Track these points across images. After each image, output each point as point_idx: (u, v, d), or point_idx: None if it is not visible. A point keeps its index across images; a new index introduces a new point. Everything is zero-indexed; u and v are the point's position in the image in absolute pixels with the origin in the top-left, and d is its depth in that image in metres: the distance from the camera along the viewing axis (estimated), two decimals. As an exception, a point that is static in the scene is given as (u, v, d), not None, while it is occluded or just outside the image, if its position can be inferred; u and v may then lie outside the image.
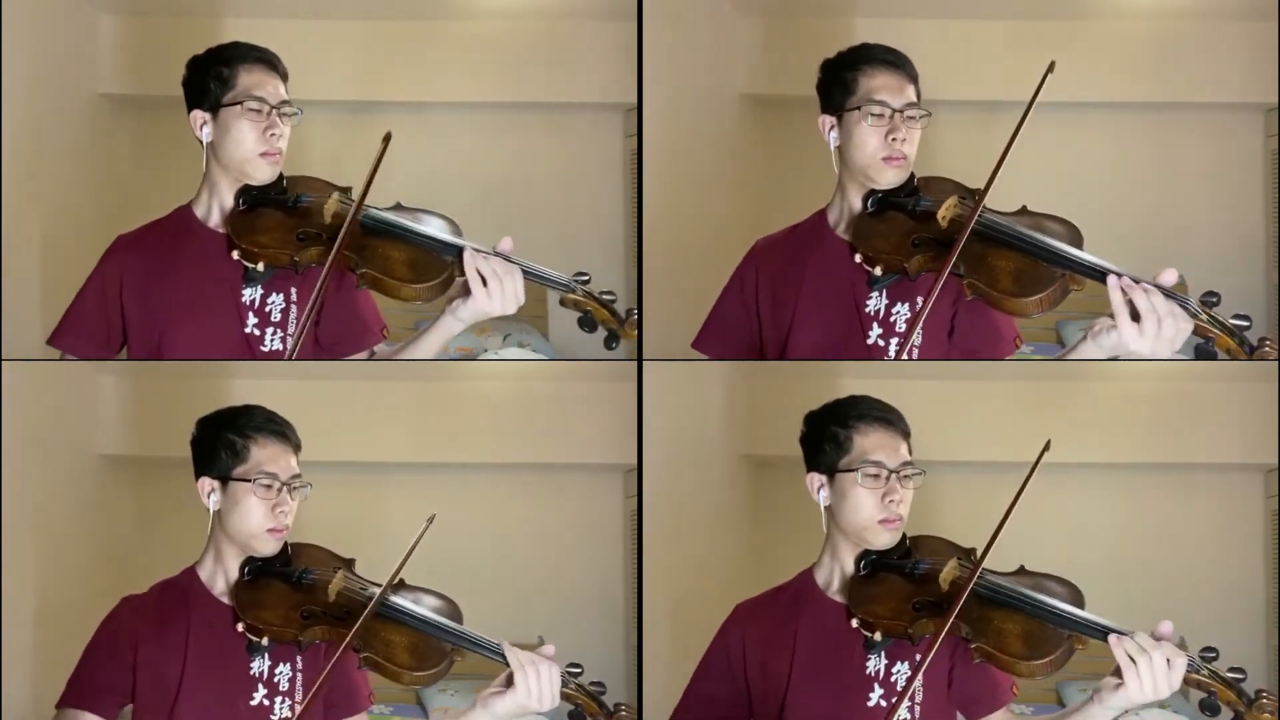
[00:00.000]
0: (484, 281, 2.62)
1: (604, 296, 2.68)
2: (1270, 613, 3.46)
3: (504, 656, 2.57)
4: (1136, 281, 2.51)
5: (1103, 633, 2.51)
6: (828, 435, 2.61)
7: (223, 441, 2.61)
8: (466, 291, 2.64)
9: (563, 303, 2.70)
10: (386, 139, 2.61)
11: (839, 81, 2.66)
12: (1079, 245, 2.56)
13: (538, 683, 2.55)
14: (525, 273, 2.64)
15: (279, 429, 2.64)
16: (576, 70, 3.51)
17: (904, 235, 2.61)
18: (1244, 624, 3.47)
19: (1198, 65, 3.51)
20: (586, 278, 2.69)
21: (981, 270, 2.56)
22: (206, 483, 2.62)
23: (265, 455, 2.61)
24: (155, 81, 3.43)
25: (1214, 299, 2.51)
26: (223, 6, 3.42)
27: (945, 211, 2.60)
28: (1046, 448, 2.51)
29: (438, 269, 2.64)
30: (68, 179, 3.34)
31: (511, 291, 2.62)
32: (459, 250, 2.64)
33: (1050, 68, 2.55)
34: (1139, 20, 3.53)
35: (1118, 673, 2.48)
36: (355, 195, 2.66)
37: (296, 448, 2.65)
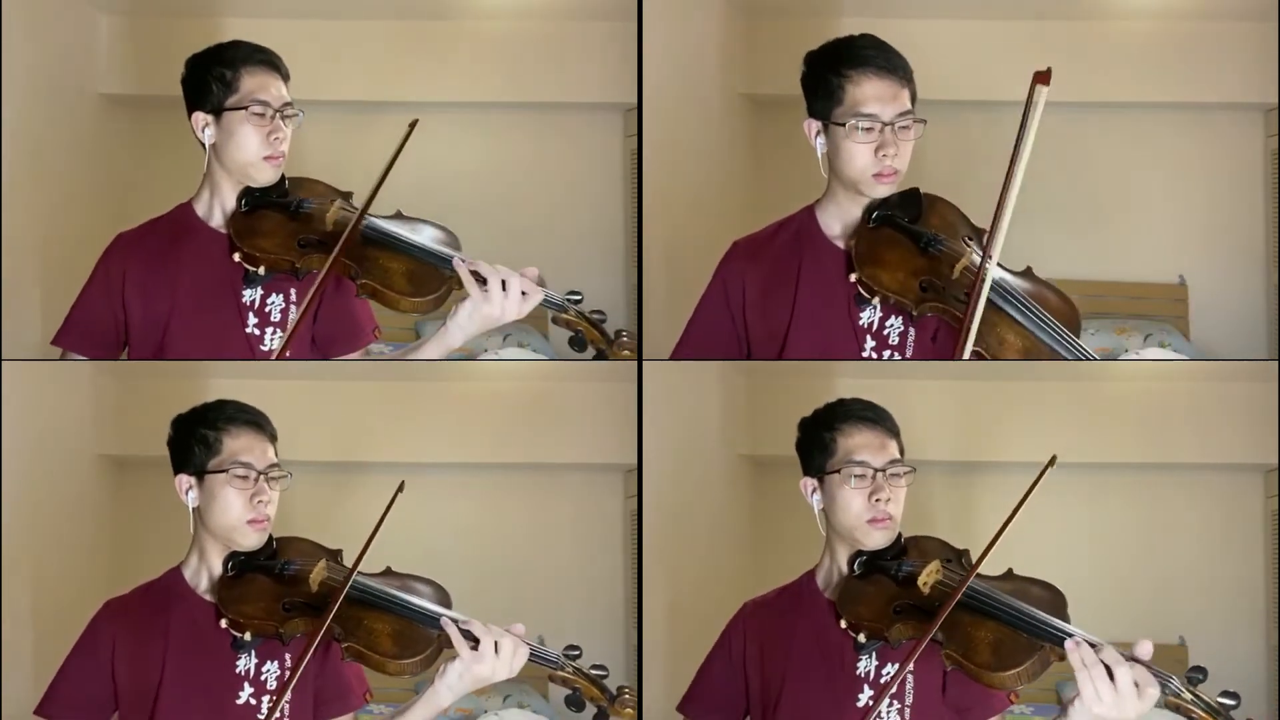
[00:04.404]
0: (482, 283, 2.58)
1: (594, 316, 2.66)
2: (1270, 613, 3.46)
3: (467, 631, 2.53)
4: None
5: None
6: (815, 439, 2.59)
7: (195, 437, 2.59)
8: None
9: (555, 321, 2.67)
10: (412, 125, 2.61)
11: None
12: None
13: (490, 647, 2.50)
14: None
15: (252, 419, 2.62)
16: (576, 70, 3.51)
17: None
18: (1244, 624, 3.47)
19: (1198, 65, 3.51)
20: (579, 297, 2.66)
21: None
22: (184, 479, 2.61)
23: (239, 446, 2.59)
24: (156, 81, 3.43)
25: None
26: (224, 6, 3.42)
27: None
28: (1052, 462, 2.46)
29: (436, 282, 2.62)
30: (68, 179, 3.34)
31: (515, 295, 2.58)
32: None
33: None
34: (1139, 20, 3.53)
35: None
36: (357, 203, 2.65)
37: (272, 438, 2.63)
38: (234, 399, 2.65)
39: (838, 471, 2.56)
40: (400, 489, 2.58)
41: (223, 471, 2.57)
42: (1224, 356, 3.54)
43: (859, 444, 2.56)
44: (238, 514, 2.58)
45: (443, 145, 3.53)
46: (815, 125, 2.58)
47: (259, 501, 2.58)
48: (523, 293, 2.59)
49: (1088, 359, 2.46)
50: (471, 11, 3.54)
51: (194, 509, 2.61)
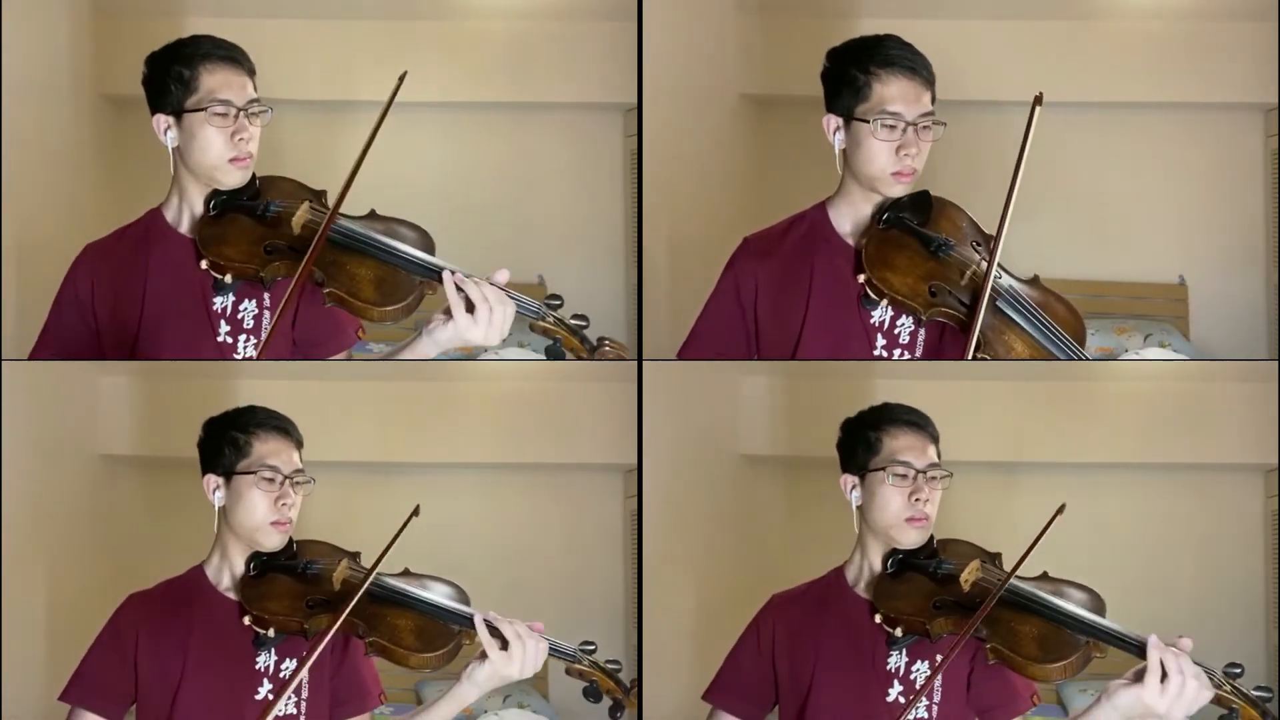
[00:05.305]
0: (470, 308, 2.52)
1: (574, 322, 2.61)
2: (1270, 613, 3.47)
3: (495, 629, 2.59)
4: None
5: (1132, 644, 2.48)
6: (860, 438, 2.63)
7: (226, 439, 2.64)
8: (444, 313, 2.54)
9: (533, 329, 2.61)
10: (401, 78, 2.52)
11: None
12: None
13: (520, 650, 2.57)
14: None
15: (280, 425, 2.67)
16: (576, 70, 3.51)
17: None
18: (1244, 624, 3.48)
19: (1198, 65, 3.52)
20: (558, 302, 2.61)
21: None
22: (211, 479, 2.64)
23: (267, 449, 2.63)
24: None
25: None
26: (221, 6, 3.41)
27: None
28: (1060, 510, 2.53)
29: (406, 289, 2.55)
30: (68, 181, 3.33)
31: (499, 321, 2.53)
32: (431, 270, 2.54)
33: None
34: (1139, 20, 3.53)
35: (1138, 676, 2.46)
36: (327, 203, 2.58)
37: (299, 444, 2.67)
38: (262, 405, 2.68)
39: (880, 469, 2.60)
40: (415, 512, 2.62)
41: (250, 473, 2.62)
42: (1224, 356, 3.55)
43: (903, 445, 2.61)
44: (262, 516, 2.62)
45: (440, 146, 3.53)
46: (835, 121, 2.59)
47: (283, 504, 2.62)
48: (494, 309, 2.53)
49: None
50: (471, 11, 3.54)
51: (220, 509, 2.65)
